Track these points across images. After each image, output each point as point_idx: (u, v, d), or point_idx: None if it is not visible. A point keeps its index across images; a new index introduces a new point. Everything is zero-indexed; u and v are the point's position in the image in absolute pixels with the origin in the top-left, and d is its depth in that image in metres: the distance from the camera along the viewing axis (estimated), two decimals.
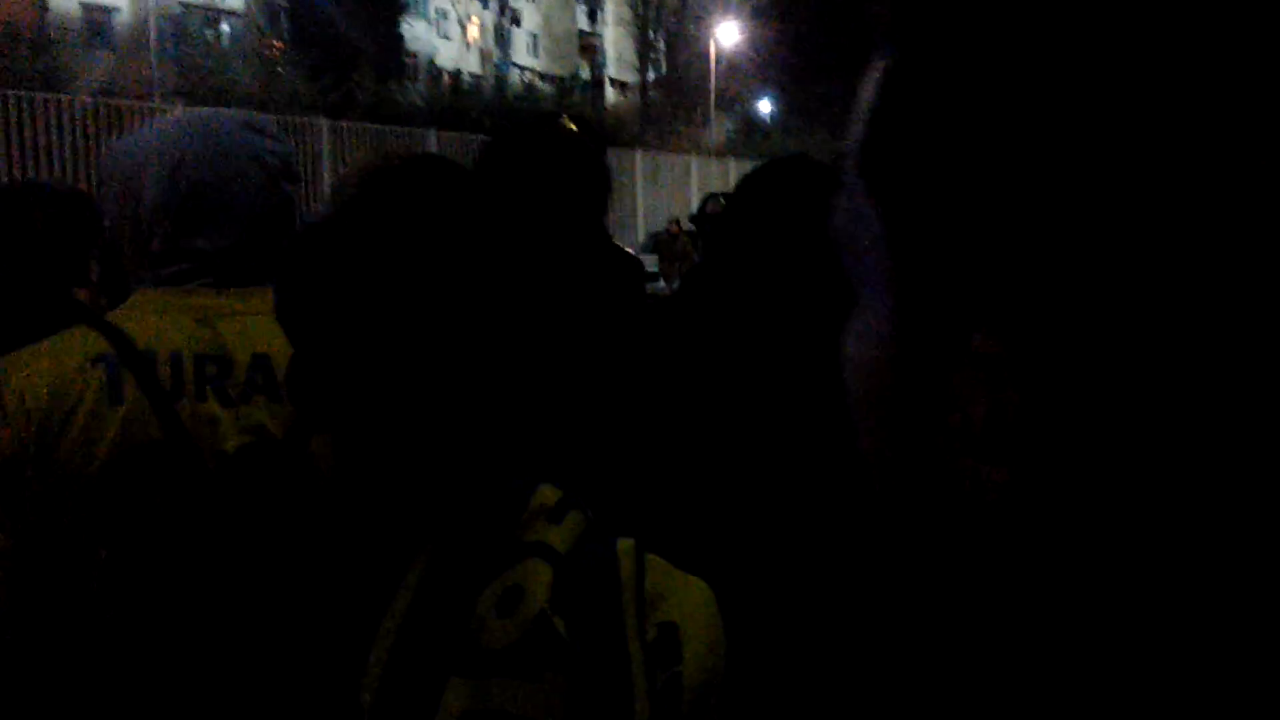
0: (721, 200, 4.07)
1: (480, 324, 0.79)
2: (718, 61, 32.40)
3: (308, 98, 17.08)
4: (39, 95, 11.51)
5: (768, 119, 40.49)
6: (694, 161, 21.58)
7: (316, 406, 0.81)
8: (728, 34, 33.22)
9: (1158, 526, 0.38)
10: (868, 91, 0.41)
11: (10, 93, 11.00)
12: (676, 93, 35.69)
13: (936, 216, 0.38)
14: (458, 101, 22.55)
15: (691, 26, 37.23)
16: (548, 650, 0.72)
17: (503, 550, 0.77)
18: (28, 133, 10.80)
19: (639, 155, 17.39)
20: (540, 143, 1.56)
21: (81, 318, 1.22)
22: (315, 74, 19.03)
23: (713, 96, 31.73)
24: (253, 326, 1.21)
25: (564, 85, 32.22)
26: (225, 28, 26.17)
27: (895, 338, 0.41)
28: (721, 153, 26.17)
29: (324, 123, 14.50)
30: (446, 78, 29.91)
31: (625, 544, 0.79)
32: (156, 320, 1.19)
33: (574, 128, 2.50)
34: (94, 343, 1.15)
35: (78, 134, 11.30)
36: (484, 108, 21.49)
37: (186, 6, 24.97)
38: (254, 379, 1.20)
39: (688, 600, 0.78)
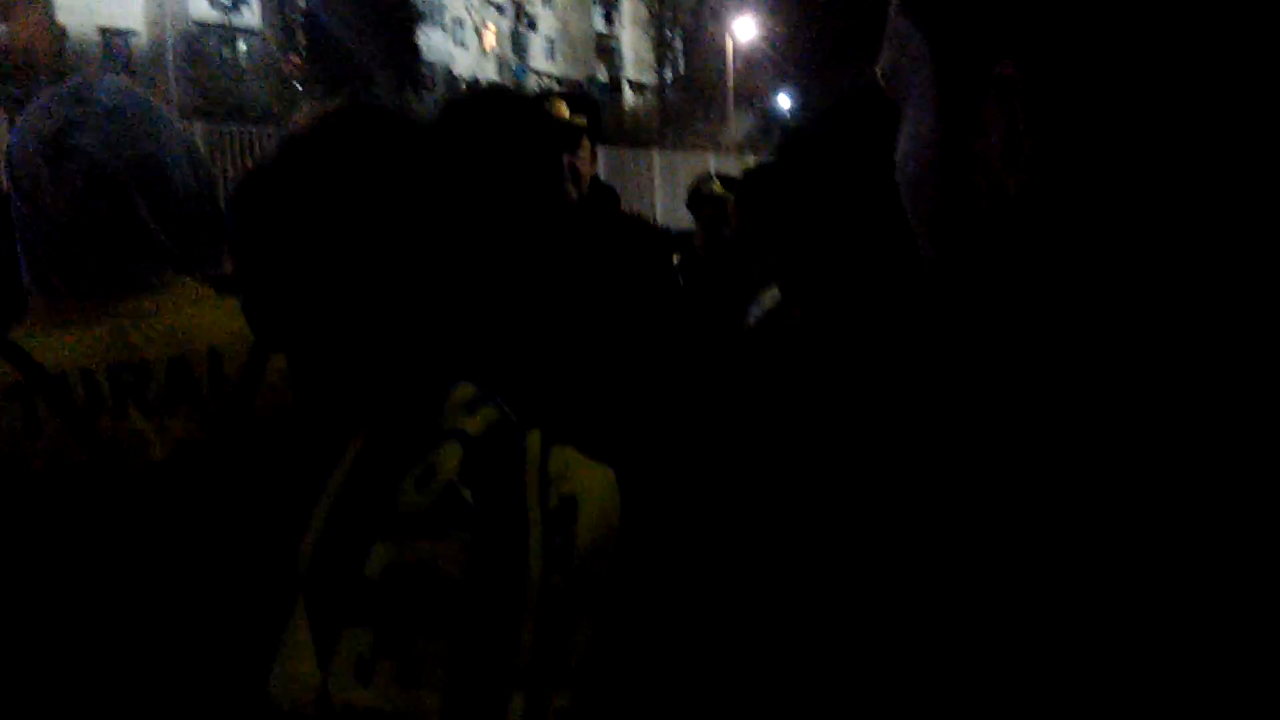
0: (715, 181, 4.13)
1: (409, 249, 0.89)
2: (735, 58, 32.50)
3: None
4: None
5: (786, 114, 40.52)
6: (711, 158, 21.68)
7: (270, 326, 0.92)
8: (744, 30, 33.27)
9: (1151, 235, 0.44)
10: None
11: None
12: (694, 91, 35.82)
13: None
14: None
15: (708, 24, 37.31)
16: (454, 514, 0.82)
17: (424, 436, 0.87)
18: None
19: (656, 155, 17.52)
20: (488, 107, 1.64)
21: None
22: (333, 88, 19.33)
23: (730, 93, 31.83)
24: (168, 329, 1.14)
25: (580, 88, 32.48)
26: (242, 46, 26.60)
27: (938, 110, 0.50)
28: (740, 148, 26.27)
29: None
30: (463, 86, 30.24)
31: (534, 433, 0.90)
32: (62, 335, 1.11)
33: (565, 112, 2.59)
34: (4, 372, 1.08)
35: None
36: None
37: (203, 26, 25.39)
38: (175, 386, 1.13)
39: (589, 479, 0.88)
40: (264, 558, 0.86)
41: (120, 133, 1.13)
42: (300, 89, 20.83)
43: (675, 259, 3.08)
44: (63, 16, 23.49)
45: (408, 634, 0.81)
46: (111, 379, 1.10)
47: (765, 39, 35.36)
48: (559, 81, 37.01)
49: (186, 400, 1.13)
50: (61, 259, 1.13)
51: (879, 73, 0.55)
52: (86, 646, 0.94)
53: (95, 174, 1.11)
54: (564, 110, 2.49)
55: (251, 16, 26.90)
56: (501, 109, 1.56)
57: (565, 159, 2.44)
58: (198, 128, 12.35)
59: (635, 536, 0.89)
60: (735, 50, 32.59)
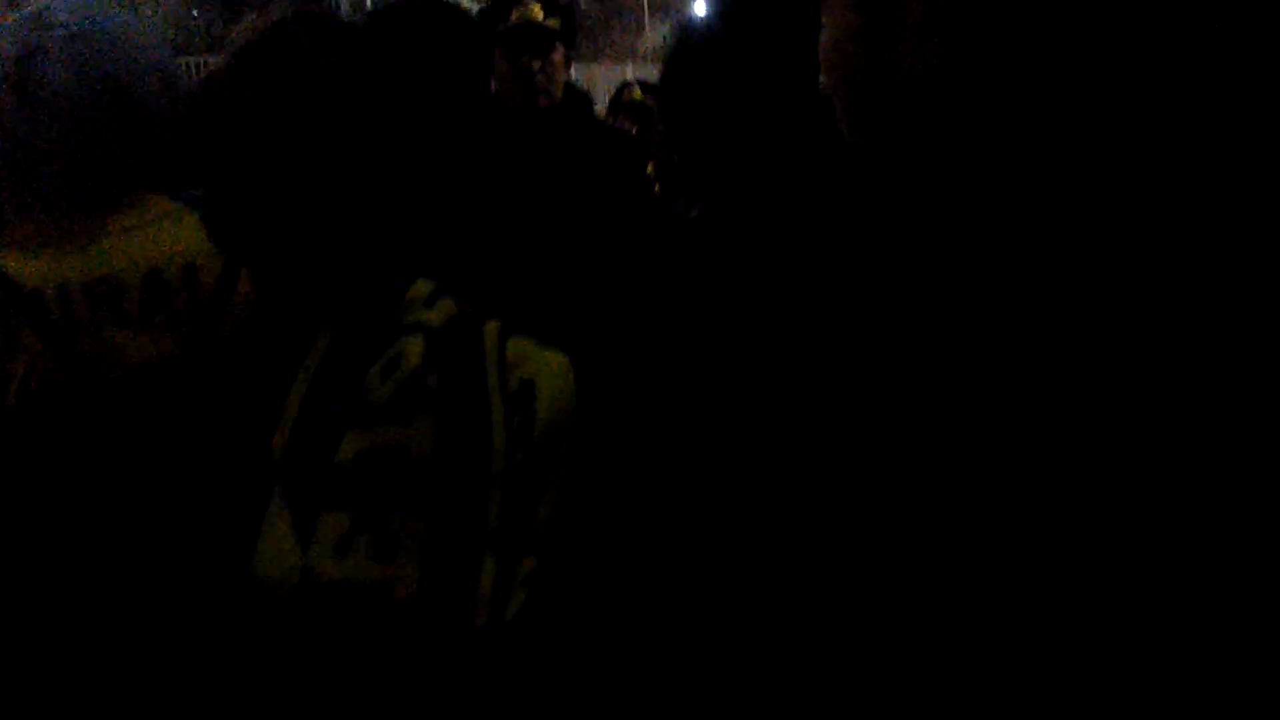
0: (636, 88, 4.12)
1: (361, 152, 0.93)
2: None
3: (225, 39, 16.64)
4: None
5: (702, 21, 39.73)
6: (630, 68, 21.35)
7: (230, 234, 0.96)
8: None
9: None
10: None
11: None
12: (609, 2, 35.07)
13: None
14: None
15: None
16: (420, 400, 0.88)
17: (387, 330, 0.92)
18: None
19: (572, 68, 17.23)
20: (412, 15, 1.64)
21: None
22: (233, 11, 18.51)
23: (645, 2, 31.23)
24: (140, 245, 1.15)
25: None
26: None
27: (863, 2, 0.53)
28: (657, 58, 25.84)
29: None
30: (369, 2, 29.23)
31: (492, 324, 0.95)
32: (37, 254, 1.13)
33: (539, 15, 2.54)
34: None
35: None
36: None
37: None
38: (150, 298, 1.14)
39: (545, 364, 0.94)
40: (240, 451, 0.90)
41: (84, 57, 1.12)
42: (197, 15, 19.95)
43: (650, 167, 3.09)
44: None
45: (382, 512, 0.87)
46: (87, 294, 1.11)
47: None
48: None
49: (163, 313, 1.14)
50: (30, 182, 1.14)
51: None
52: (76, 540, 0.99)
53: (59, 100, 1.11)
54: (538, 13, 2.46)
55: None
56: (424, 15, 1.57)
57: (537, 63, 2.41)
58: None
59: (591, 415, 0.95)
60: None
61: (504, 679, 0.88)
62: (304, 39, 0.94)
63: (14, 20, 1.14)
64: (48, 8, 1.15)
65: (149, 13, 19.02)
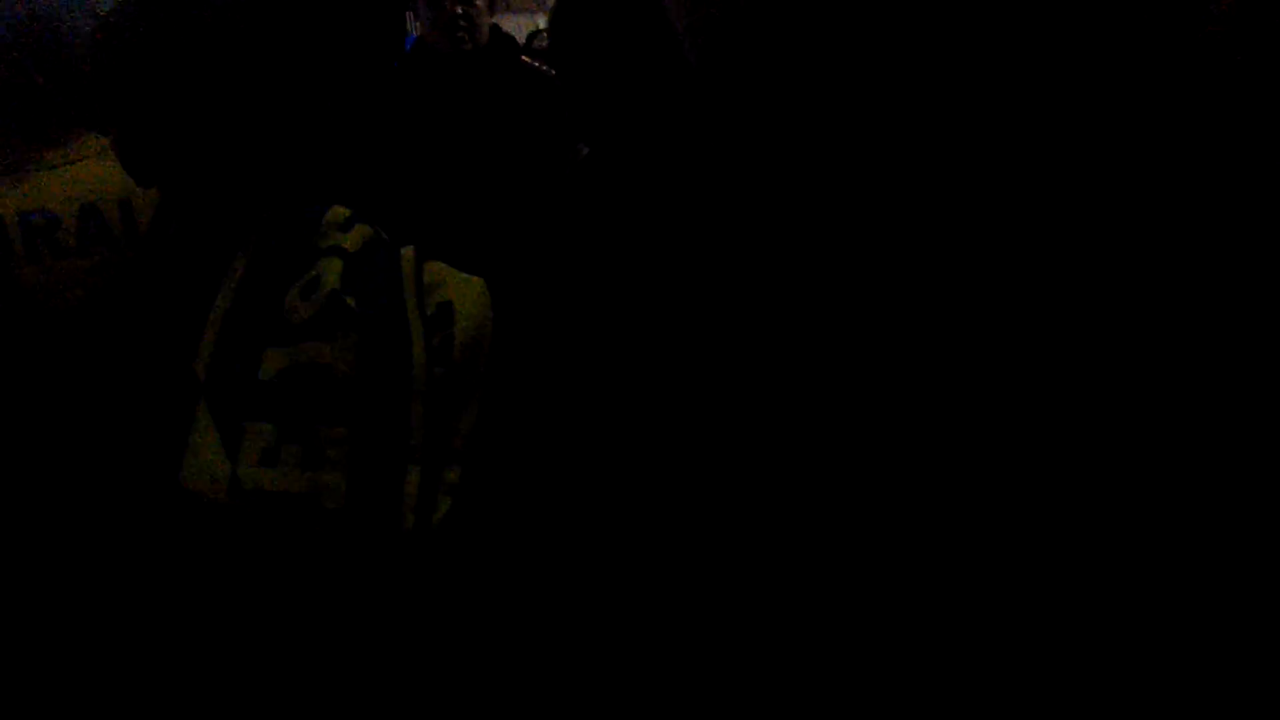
0: (544, 35, 4.12)
1: (271, 77, 0.95)
2: None
3: None
4: None
5: None
6: (540, 19, 21.05)
7: (144, 170, 0.97)
8: None
9: None
10: None
11: None
12: None
13: None
14: None
15: None
16: (340, 319, 0.91)
17: (304, 253, 0.95)
18: None
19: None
20: None
21: None
22: None
23: None
24: (74, 180, 1.18)
25: None
26: None
27: None
28: None
29: None
30: None
31: (408, 249, 0.98)
32: None
33: None
34: None
35: None
36: None
37: None
38: (87, 230, 1.18)
39: (463, 286, 0.98)
40: (165, 370, 0.93)
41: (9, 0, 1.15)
42: None
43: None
44: None
45: (308, 424, 0.91)
46: (23, 226, 1.15)
47: None
48: None
49: (101, 245, 1.18)
50: None
51: None
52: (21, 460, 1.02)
53: (21, 38, 1.15)
54: None
55: None
56: None
57: (459, 8, 2.40)
58: None
59: (508, 333, 0.99)
60: None
61: (435, 580, 0.92)
62: None
63: None
64: None
65: None
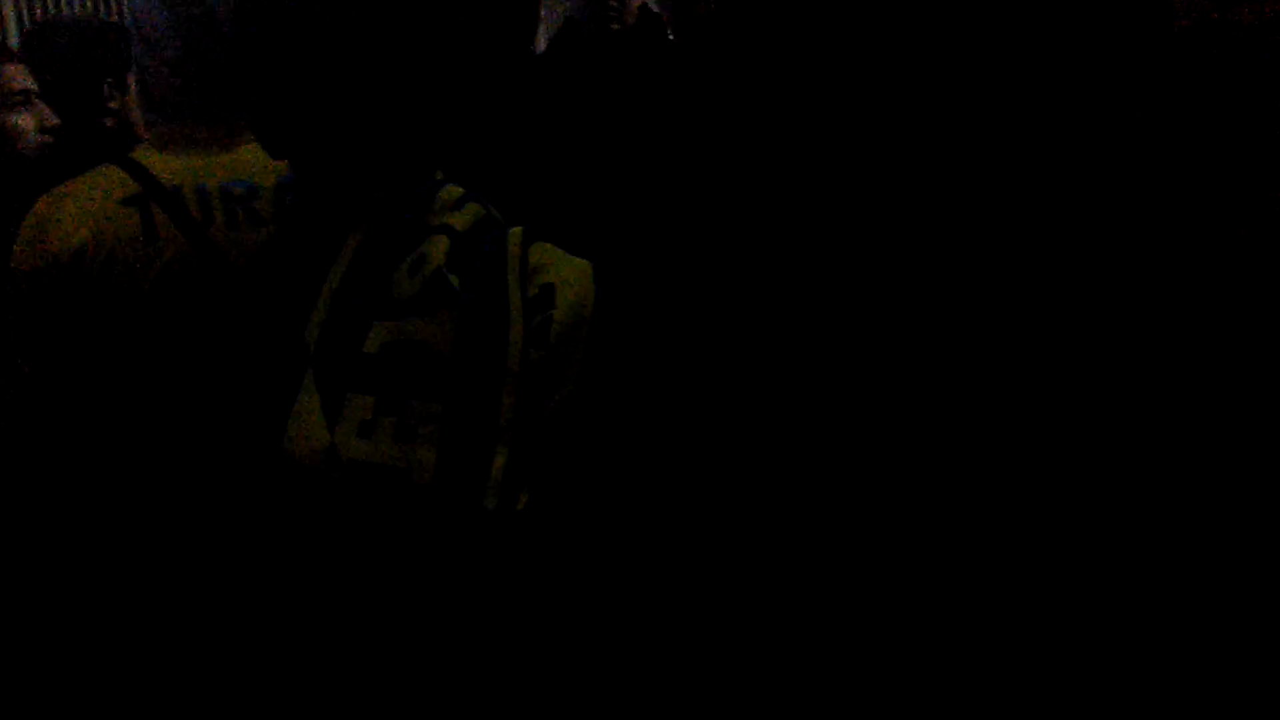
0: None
1: (403, 59, 0.98)
2: None
3: None
4: None
5: None
6: None
7: (274, 138, 1.01)
8: None
9: None
10: None
11: None
12: None
13: None
14: None
15: None
16: (442, 297, 0.93)
17: (415, 232, 0.97)
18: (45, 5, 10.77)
19: None
20: None
21: (109, 155, 1.30)
22: None
23: None
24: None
25: None
26: None
27: None
28: None
29: None
30: None
31: (516, 230, 0.99)
32: (178, 156, 1.27)
33: None
34: (124, 183, 1.23)
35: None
36: None
37: None
38: (283, 200, 1.28)
39: (567, 269, 0.98)
40: (278, 338, 0.97)
41: None
42: None
43: None
44: None
45: (404, 398, 0.93)
46: (224, 195, 1.26)
47: None
48: None
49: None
50: (175, 91, 1.28)
51: None
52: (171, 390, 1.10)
53: (204, 16, 1.26)
54: None
55: None
56: None
57: None
58: None
59: (608, 322, 0.99)
60: None
61: (512, 564, 0.94)
62: None
63: None
64: None
65: None
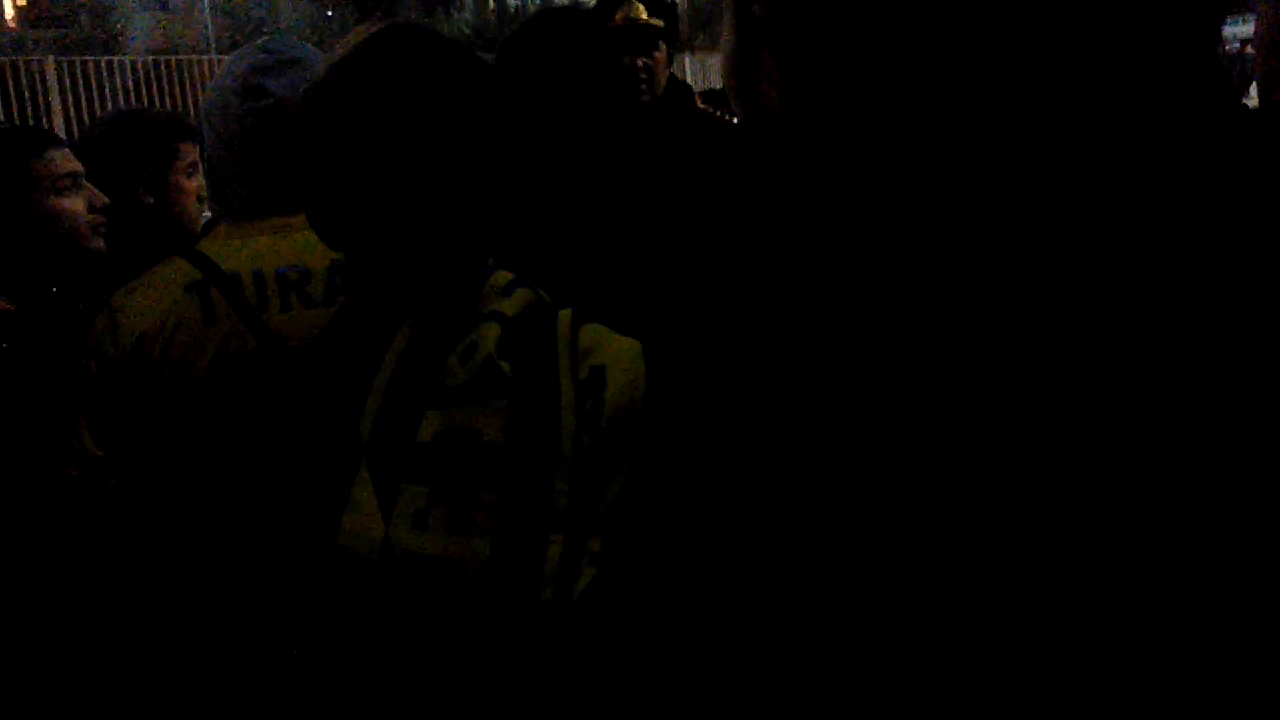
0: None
1: (454, 155, 0.99)
2: None
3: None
4: (100, 58, 11.87)
5: None
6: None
7: (328, 229, 1.02)
8: None
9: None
10: None
11: (72, 58, 11.35)
12: None
13: None
14: (505, 26, 22.55)
15: None
16: (494, 384, 0.93)
17: (466, 319, 0.97)
18: (90, 94, 11.15)
19: (688, 59, 17.30)
20: (553, 29, 1.71)
21: (177, 249, 1.38)
22: (365, 11, 19.21)
23: None
24: None
25: None
26: None
27: (736, 42, 0.67)
28: None
29: None
30: (492, 3, 29.82)
31: (565, 313, 0.99)
32: (238, 244, 1.33)
33: (643, 14, 2.62)
34: (187, 272, 1.29)
35: (138, 93, 11.66)
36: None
37: None
38: (334, 283, 1.33)
39: (616, 350, 0.97)
40: (332, 430, 0.97)
41: (300, 78, 1.33)
42: (332, 14, 20.75)
43: None
44: None
45: (458, 488, 0.92)
46: (279, 280, 1.31)
47: None
48: None
49: (346, 294, 1.29)
50: (240, 181, 1.34)
51: None
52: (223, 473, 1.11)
53: (275, 110, 1.32)
54: (642, 13, 2.54)
55: None
56: (562, 23, 1.64)
57: (640, 61, 2.49)
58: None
59: (660, 402, 0.98)
60: None
61: (570, 651, 0.92)
62: (393, 50, 0.99)
63: (247, 46, 1.42)
64: (275, 39, 1.42)
65: (290, 13, 19.98)
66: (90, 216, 1.83)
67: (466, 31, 20.69)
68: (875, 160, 0.54)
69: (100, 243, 1.84)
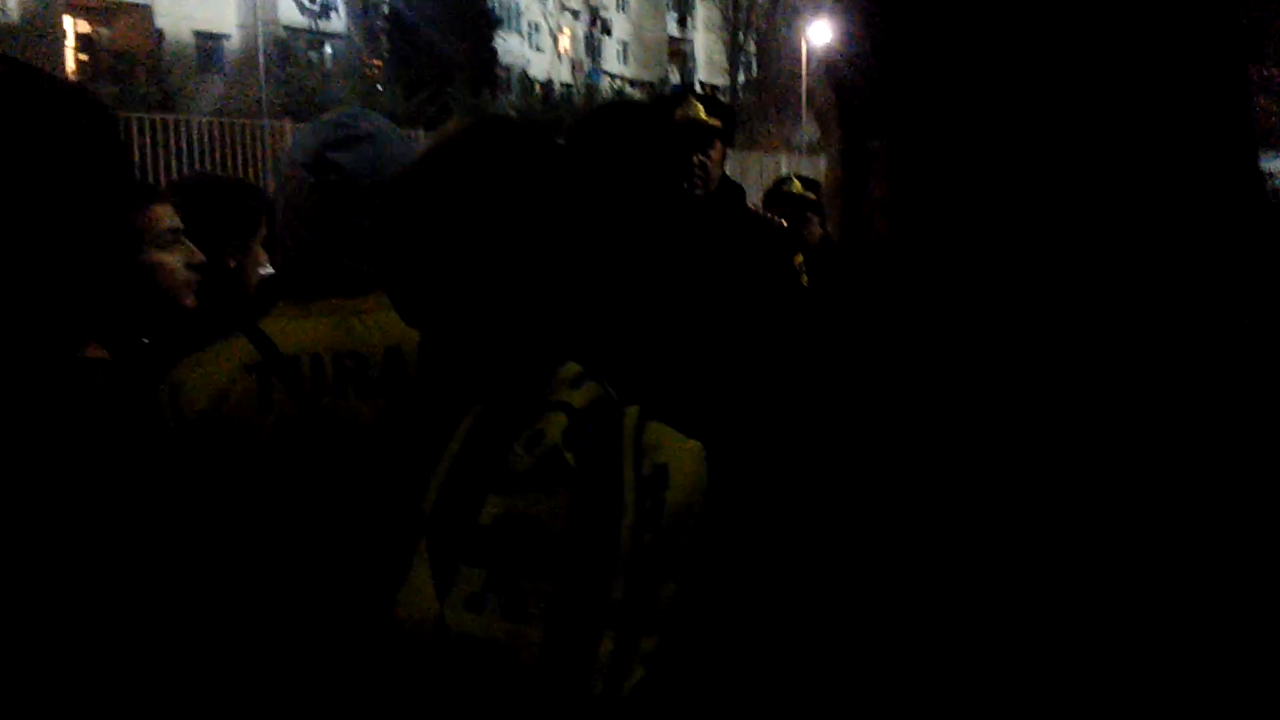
0: (795, 181, 4.23)
1: (534, 246, 1.01)
2: (809, 60, 32.36)
3: (405, 112, 17.73)
4: (156, 117, 12.21)
5: None
6: (784, 159, 21.66)
7: (409, 309, 1.05)
8: (820, 33, 33.00)
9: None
10: (840, 34, 0.67)
11: (129, 115, 11.66)
12: (767, 93, 35.74)
13: (858, 81, 0.63)
14: (549, 110, 23.09)
15: (783, 29, 37.12)
16: (558, 474, 0.93)
17: (534, 406, 0.98)
18: (147, 153, 11.44)
19: (728, 155, 17.65)
20: (617, 119, 1.76)
21: (239, 326, 1.36)
22: (412, 89, 19.74)
23: (804, 96, 31.69)
24: (384, 322, 1.31)
25: (654, 91, 32.62)
26: (328, 49, 27.27)
27: (841, 159, 0.66)
28: (814, 150, 26.16)
29: (421, 134, 15.05)
30: (538, 88, 30.58)
31: (631, 409, 1.00)
32: (299, 325, 1.33)
33: (701, 113, 2.69)
34: (248, 352, 1.28)
35: (194, 153, 11.95)
36: (575, 115, 21.95)
37: (292, 30, 26.09)
38: (390, 371, 1.31)
39: (679, 450, 0.98)
40: (395, 506, 0.98)
41: (373, 156, 1.34)
42: (381, 89, 21.32)
43: (799, 258, 3.17)
44: (160, 21, 24.41)
45: (515, 574, 0.92)
46: (335, 364, 1.30)
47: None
48: (631, 84, 37.19)
49: (399, 385, 1.31)
50: (307, 254, 1.34)
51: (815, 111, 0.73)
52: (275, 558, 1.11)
53: (346, 185, 1.32)
54: (700, 112, 2.61)
55: (338, 21, 27.57)
56: (629, 116, 1.69)
57: (697, 157, 2.55)
58: (286, 126, 12.79)
59: (720, 506, 0.98)
60: (809, 54, 32.45)
61: None
62: (485, 143, 1.03)
63: (321, 120, 1.41)
64: (350, 113, 1.41)
65: (340, 84, 20.55)
66: (186, 273, 1.86)
67: (512, 113, 21.18)
68: (995, 308, 0.56)
69: (192, 299, 1.86)
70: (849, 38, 0.65)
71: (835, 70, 0.67)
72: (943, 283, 0.59)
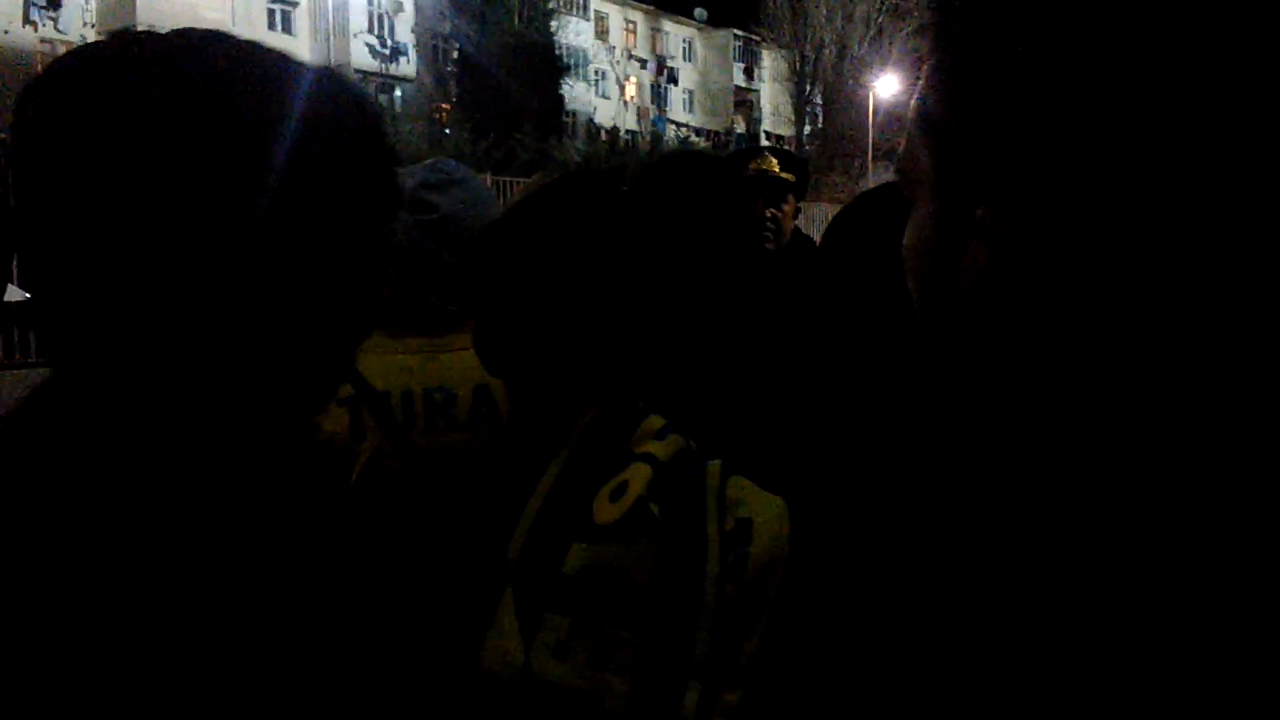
0: (773, 159, 4.22)
1: (619, 298, 1.04)
2: (875, 113, 32.43)
3: (473, 155, 18.10)
4: None
5: None
6: None
7: (495, 360, 1.07)
8: (887, 87, 33.15)
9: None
10: (924, 74, 0.64)
11: None
12: (833, 144, 35.83)
13: (964, 145, 0.60)
14: (614, 156, 23.38)
15: (850, 82, 37.28)
16: (643, 525, 0.94)
17: (618, 458, 1.00)
18: None
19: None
20: (682, 170, 1.78)
21: None
22: (480, 133, 20.14)
23: (870, 149, 31.74)
24: (471, 360, 1.31)
25: (718, 139, 32.88)
26: (398, 92, 27.98)
27: (935, 223, 0.63)
28: None
29: (488, 177, 15.33)
30: (603, 134, 31.00)
31: (715, 463, 1.01)
32: (390, 360, 1.36)
33: (775, 167, 2.73)
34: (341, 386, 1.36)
35: None
36: (640, 162, 22.19)
37: (362, 74, 26.81)
38: (478, 408, 1.35)
39: (763, 505, 0.99)
40: (481, 551, 0.99)
41: (465, 197, 1.41)
42: (449, 133, 21.77)
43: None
44: None
45: (599, 624, 0.93)
46: (426, 400, 1.33)
47: (907, 94, 34.98)
48: (697, 132, 37.53)
49: (489, 421, 1.35)
50: (398, 290, 1.38)
51: (896, 165, 0.68)
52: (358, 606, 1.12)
53: (441, 223, 1.38)
54: (775, 166, 2.65)
55: (408, 66, 28.32)
56: (699, 167, 1.71)
57: (769, 211, 2.59)
58: None
59: (804, 562, 0.99)
60: (876, 106, 32.52)
61: None
62: (566, 199, 1.07)
63: (414, 166, 1.49)
64: (444, 159, 1.49)
65: (409, 130, 21.02)
66: None
67: (577, 159, 21.48)
68: (1114, 390, 0.54)
69: None
70: (951, 95, 0.61)
71: (935, 129, 0.62)
72: (1064, 365, 0.57)
